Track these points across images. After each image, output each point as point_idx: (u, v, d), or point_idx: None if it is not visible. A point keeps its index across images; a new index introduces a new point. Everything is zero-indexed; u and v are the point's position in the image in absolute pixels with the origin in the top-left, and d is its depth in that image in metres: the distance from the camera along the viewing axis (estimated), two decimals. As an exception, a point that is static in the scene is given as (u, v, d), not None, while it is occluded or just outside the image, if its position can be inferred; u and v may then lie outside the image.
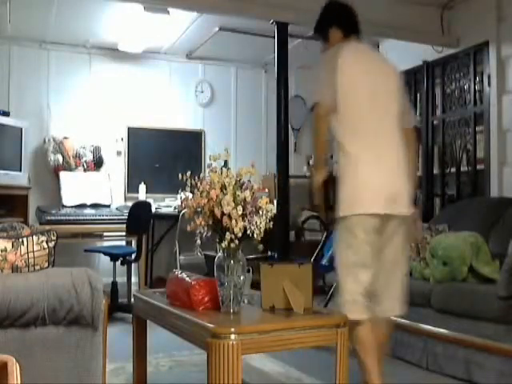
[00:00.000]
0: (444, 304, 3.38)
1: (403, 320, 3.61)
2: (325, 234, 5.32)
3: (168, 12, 5.07)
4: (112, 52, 6.27)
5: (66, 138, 6.02)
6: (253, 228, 2.23)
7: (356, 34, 2.85)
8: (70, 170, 5.95)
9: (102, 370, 2.25)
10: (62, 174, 5.85)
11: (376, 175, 2.56)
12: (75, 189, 5.82)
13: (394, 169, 2.61)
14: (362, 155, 2.57)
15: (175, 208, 6.11)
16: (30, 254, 2.30)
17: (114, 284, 4.95)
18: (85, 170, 6.05)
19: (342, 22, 2.86)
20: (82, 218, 5.56)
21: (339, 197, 2.58)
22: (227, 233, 2.22)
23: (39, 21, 5.46)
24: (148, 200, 5.88)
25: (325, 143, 2.68)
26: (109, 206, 5.91)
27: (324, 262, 5.05)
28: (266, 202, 2.29)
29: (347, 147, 2.59)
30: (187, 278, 2.52)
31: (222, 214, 2.22)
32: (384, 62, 2.87)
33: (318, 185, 2.69)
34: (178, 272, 2.72)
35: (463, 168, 4.95)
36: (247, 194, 2.24)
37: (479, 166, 4.75)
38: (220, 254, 2.33)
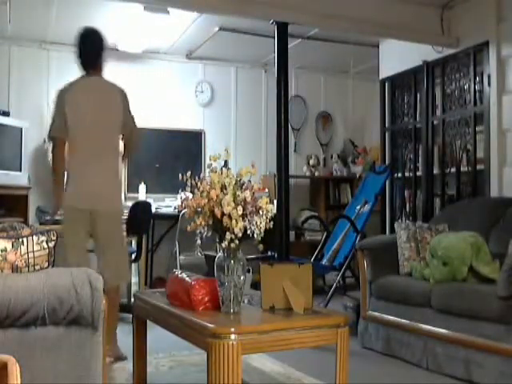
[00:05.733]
0: (444, 304, 3.38)
1: (403, 320, 3.63)
2: (325, 233, 5.33)
3: (168, 12, 5.06)
4: (112, 52, 6.25)
5: (66, 137, 6.02)
6: (253, 228, 2.23)
7: (93, 67, 3.87)
8: (70, 170, 5.94)
9: (101, 370, 2.25)
10: (62, 174, 5.84)
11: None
12: (75, 189, 5.81)
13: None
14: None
15: (175, 208, 6.11)
16: (30, 254, 2.30)
17: (114, 284, 4.94)
18: (85, 170, 6.04)
19: (81, 58, 3.89)
20: (82, 217, 5.55)
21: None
22: (227, 233, 2.22)
23: (39, 21, 5.46)
24: (148, 200, 5.88)
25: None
26: (109, 206, 5.90)
27: (324, 261, 5.06)
28: (266, 202, 2.29)
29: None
30: (187, 278, 2.52)
31: (222, 214, 2.22)
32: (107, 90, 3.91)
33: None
34: (177, 272, 2.72)
35: (463, 168, 4.94)
36: (247, 194, 2.24)
37: (479, 166, 4.74)
38: (220, 254, 2.33)
